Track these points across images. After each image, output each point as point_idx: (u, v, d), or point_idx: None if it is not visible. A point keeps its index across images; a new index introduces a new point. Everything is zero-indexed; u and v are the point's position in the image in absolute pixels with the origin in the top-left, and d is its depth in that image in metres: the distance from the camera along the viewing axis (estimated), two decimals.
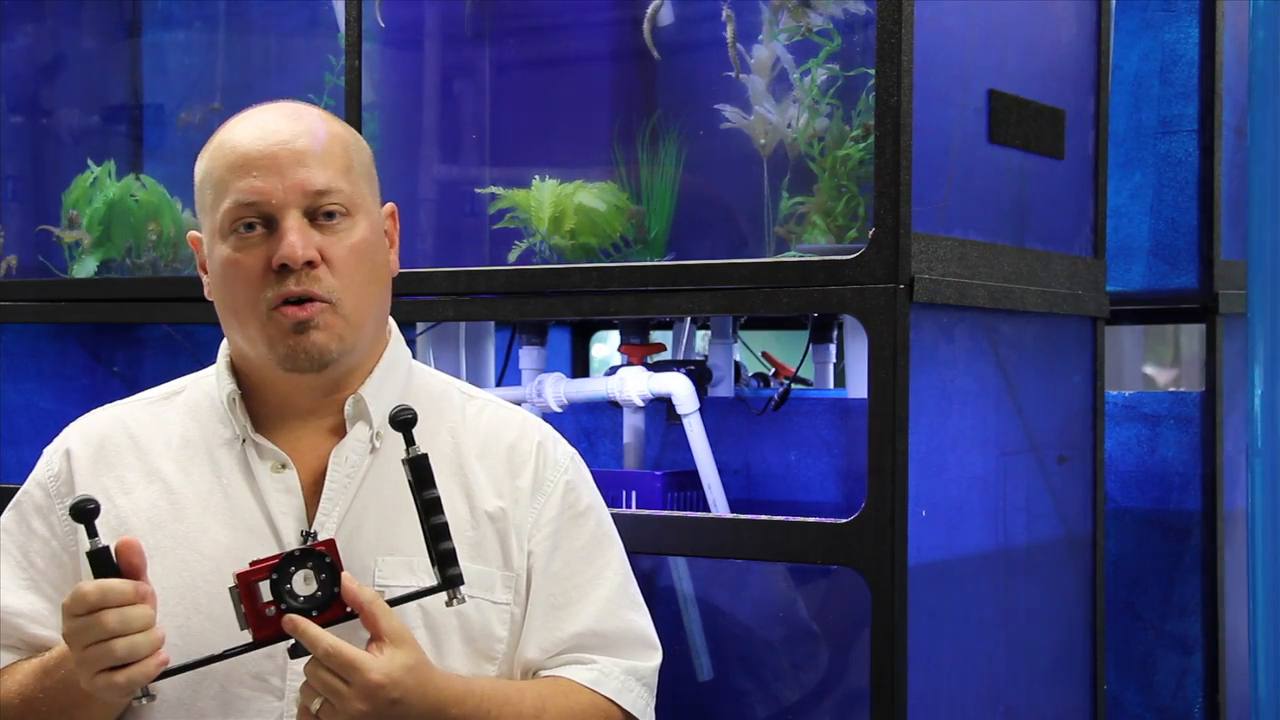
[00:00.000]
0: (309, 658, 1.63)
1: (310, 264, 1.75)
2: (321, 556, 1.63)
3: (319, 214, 1.77)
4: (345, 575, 1.64)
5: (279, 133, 1.78)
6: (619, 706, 1.84)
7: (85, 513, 1.62)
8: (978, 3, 2.41)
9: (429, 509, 1.67)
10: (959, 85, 2.37)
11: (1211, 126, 2.99)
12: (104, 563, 1.62)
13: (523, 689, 1.80)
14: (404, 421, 1.68)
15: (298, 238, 1.74)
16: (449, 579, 1.66)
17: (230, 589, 1.63)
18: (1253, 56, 2.14)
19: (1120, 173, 3.04)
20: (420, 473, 1.67)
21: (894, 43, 2.17)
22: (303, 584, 1.62)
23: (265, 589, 1.62)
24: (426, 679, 1.66)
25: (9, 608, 1.81)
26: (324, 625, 1.63)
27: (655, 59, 2.60)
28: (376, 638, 1.64)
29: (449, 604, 1.68)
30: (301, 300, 1.75)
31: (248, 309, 1.77)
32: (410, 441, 1.68)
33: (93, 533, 1.62)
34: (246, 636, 1.64)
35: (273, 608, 1.62)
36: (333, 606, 1.63)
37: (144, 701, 1.65)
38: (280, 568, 1.62)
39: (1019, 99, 2.47)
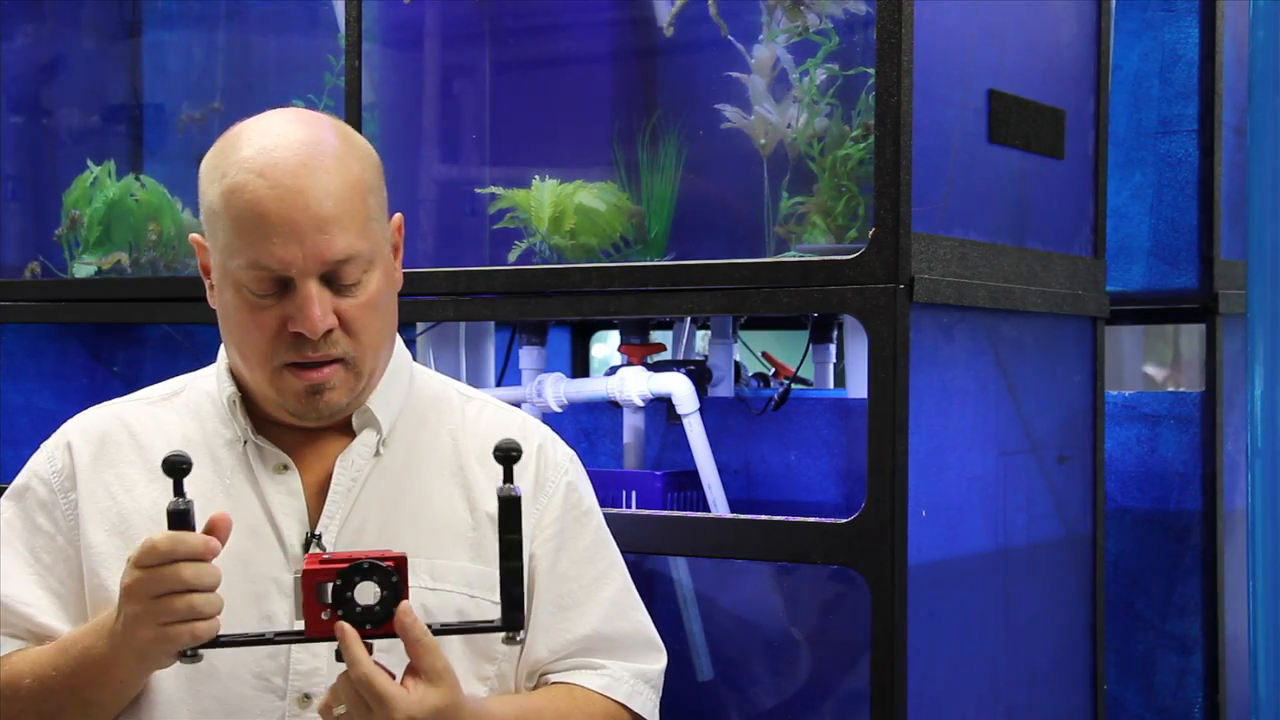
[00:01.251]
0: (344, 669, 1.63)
1: (328, 330, 1.73)
2: (389, 574, 1.61)
3: (336, 280, 1.73)
4: (403, 605, 1.61)
5: (300, 191, 1.70)
6: (630, 711, 1.85)
7: (179, 470, 1.60)
8: (978, 3, 2.41)
9: (506, 552, 1.64)
10: (959, 85, 2.37)
11: (1211, 126, 2.99)
12: (181, 524, 1.61)
13: (541, 708, 1.81)
14: (509, 457, 1.63)
15: (316, 309, 1.71)
16: (509, 621, 1.64)
17: (295, 576, 1.62)
18: (1253, 56, 2.14)
19: (1120, 173, 3.04)
20: (507, 514, 1.64)
21: (894, 43, 2.17)
22: (365, 595, 1.60)
23: (328, 590, 1.61)
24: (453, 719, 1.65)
25: (17, 596, 1.81)
26: (376, 637, 1.61)
27: (659, 54, 2.60)
28: (414, 671, 1.63)
29: (505, 643, 1.66)
30: (316, 363, 1.75)
31: (260, 363, 1.76)
32: (509, 478, 1.64)
33: (179, 491, 1.61)
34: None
35: (328, 610, 1.60)
36: (388, 624, 1.61)
37: (194, 659, 1.63)
38: (347, 574, 1.60)
39: (1019, 99, 2.47)
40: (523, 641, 1.67)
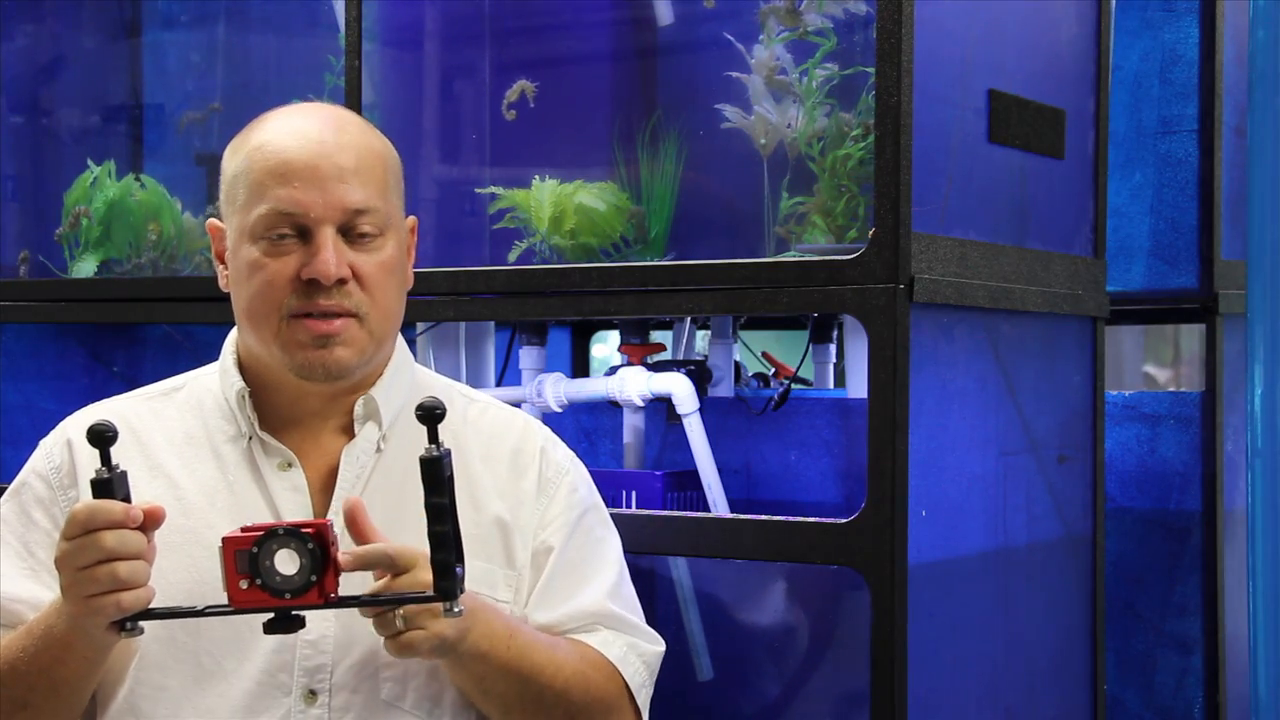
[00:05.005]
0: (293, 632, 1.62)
1: (341, 280, 1.76)
2: (305, 540, 1.58)
3: (353, 231, 1.78)
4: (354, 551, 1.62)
5: (323, 143, 1.77)
6: (620, 674, 1.85)
7: (104, 439, 1.59)
8: (978, 3, 2.41)
9: (432, 515, 1.61)
10: (959, 85, 2.37)
11: (1211, 126, 2.99)
12: (104, 494, 1.59)
13: (536, 632, 1.82)
14: (433, 416, 1.60)
15: (332, 255, 1.75)
16: (440, 591, 1.61)
17: (219, 548, 1.60)
18: (1253, 56, 2.14)
19: (1120, 173, 3.04)
20: (430, 477, 1.60)
21: (894, 43, 2.17)
22: (285, 564, 1.58)
23: (246, 558, 1.58)
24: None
25: (9, 593, 1.80)
26: (293, 610, 1.59)
27: (659, 54, 2.60)
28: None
29: (445, 615, 1.64)
30: (327, 314, 1.76)
31: (268, 313, 1.77)
32: (433, 439, 1.61)
33: (104, 461, 1.59)
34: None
35: (248, 580, 1.58)
36: (309, 591, 1.58)
37: (133, 633, 1.62)
38: (263, 541, 1.58)
39: (1019, 99, 2.47)
40: (460, 613, 1.62)
